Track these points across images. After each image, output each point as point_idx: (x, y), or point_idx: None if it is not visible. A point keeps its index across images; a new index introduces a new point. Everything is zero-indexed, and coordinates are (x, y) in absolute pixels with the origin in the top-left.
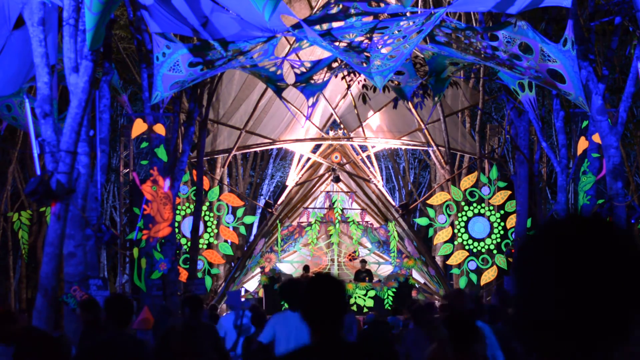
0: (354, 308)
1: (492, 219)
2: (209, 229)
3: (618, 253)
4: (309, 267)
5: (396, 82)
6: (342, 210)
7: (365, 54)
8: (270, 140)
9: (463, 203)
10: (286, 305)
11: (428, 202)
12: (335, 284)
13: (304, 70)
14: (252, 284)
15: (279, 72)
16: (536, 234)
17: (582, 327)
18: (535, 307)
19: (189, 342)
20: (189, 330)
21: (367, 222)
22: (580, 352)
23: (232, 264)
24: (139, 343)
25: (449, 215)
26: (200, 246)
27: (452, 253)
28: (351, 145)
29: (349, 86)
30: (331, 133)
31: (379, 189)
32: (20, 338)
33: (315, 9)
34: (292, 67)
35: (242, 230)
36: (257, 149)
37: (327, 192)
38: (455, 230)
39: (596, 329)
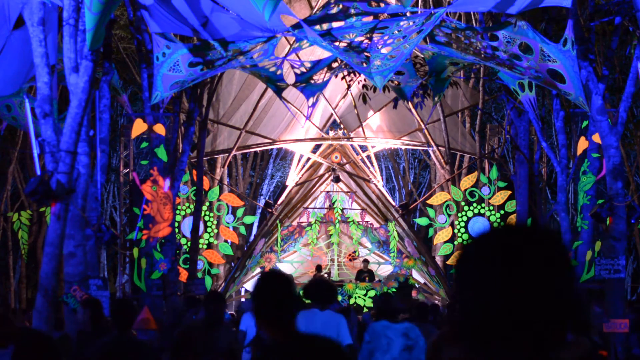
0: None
1: (492, 219)
2: (209, 229)
3: (555, 262)
4: (321, 267)
5: (396, 82)
6: (342, 210)
7: (365, 54)
8: (270, 140)
9: (463, 203)
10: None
11: (428, 202)
12: (286, 280)
13: (304, 70)
14: (252, 284)
15: (279, 72)
16: (477, 242)
17: (519, 333)
18: (475, 314)
19: (211, 337)
20: (212, 326)
21: (367, 222)
22: (518, 357)
23: (232, 264)
24: (141, 345)
25: (449, 215)
26: (200, 246)
27: (452, 253)
28: (351, 145)
29: (349, 86)
30: (331, 133)
31: (379, 189)
32: (18, 339)
33: (315, 9)
34: (292, 67)
35: (242, 230)
36: (257, 149)
37: (327, 192)
38: (455, 230)
39: (533, 334)
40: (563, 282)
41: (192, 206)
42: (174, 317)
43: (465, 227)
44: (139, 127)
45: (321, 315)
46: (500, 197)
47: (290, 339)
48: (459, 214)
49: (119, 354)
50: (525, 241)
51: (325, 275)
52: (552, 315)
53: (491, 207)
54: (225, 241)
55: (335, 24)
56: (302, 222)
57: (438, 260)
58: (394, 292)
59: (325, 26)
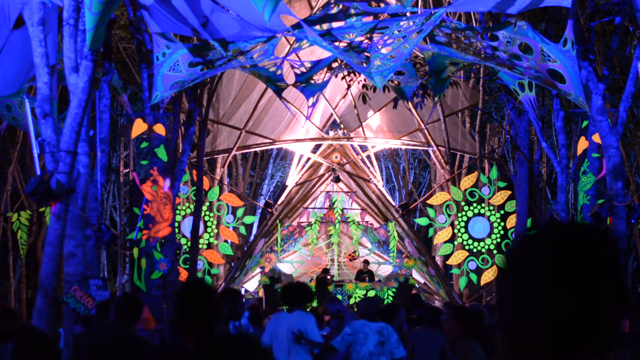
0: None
1: (492, 219)
2: (209, 229)
3: (609, 261)
4: (328, 270)
5: (396, 82)
6: (342, 210)
7: (365, 54)
8: (270, 140)
9: (463, 203)
10: (285, 307)
11: (428, 202)
12: (205, 290)
13: (304, 70)
14: (252, 284)
15: (279, 72)
16: (533, 238)
17: (576, 330)
18: (529, 310)
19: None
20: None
21: (367, 222)
22: (572, 355)
23: (232, 264)
24: (144, 344)
25: (449, 215)
26: (200, 246)
27: (452, 253)
28: (351, 145)
29: (349, 86)
30: (331, 133)
31: (379, 189)
32: (19, 336)
33: (315, 9)
34: (292, 67)
35: (242, 230)
36: (257, 149)
37: (327, 192)
38: (455, 230)
39: (589, 332)
40: (615, 280)
41: (192, 206)
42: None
43: (465, 227)
44: (139, 127)
45: (288, 316)
46: (500, 197)
47: (202, 345)
48: (459, 214)
49: (117, 351)
50: (577, 242)
51: (328, 277)
52: (608, 314)
53: (491, 207)
54: (225, 241)
55: (335, 24)
56: (302, 222)
57: (438, 260)
58: (394, 292)
59: (325, 26)
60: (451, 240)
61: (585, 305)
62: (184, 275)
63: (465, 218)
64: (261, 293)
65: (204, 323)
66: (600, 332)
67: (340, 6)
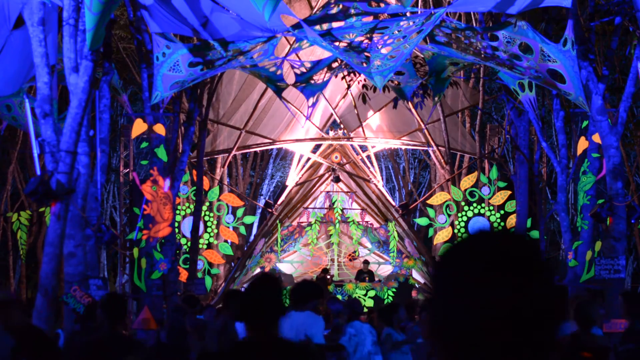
0: None
1: (492, 219)
2: (209, 229)
3: (535, 268)
4: (328, 270)
5: (396, 82)
6: (342, 210)
7: (365, 54)
8: (270, 140)
9: (463, 203)
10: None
11: (428, 202)
12: (274, 284)
13: (304, 70)
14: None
15: (279, 72)
16: (456, 247)
17: (513, 337)
18: (459, 318)
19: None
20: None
21: (367, 222)
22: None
23: (232, 264)
24: (131, 343)
25: (449, 215)
26: (200, 246)
27: None
28: (351, 145)
29: (349, 86)
30: (331, 133)
31: (379, 189)
32: (21, 333)
33: (315, 9)
34: (292, 67)
35: (242, 230)
36: (257, 149)
37: (327, 192)
38: (455, 230)
39: (528, 340)
40: (542, 284)
41: (192, 206)
42: (173, 317)
43: (465, 227)
44: (139, 127)
45: (297, 317)
46: (500, 197)
47: (267, 339)
48: (459, 214)
49: (106, 352)
50: (500, 247)
51: (328, 277)
52: (537, 318)
53: (491, 207)
54: (225, 241)
55: (335, 24)
56: (302, 222)
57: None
58: (394, 292)
59: (325, 26)
60: (451, 240)
61: (510, 309)
62: (184, 275)
63: (465, 218)
64: None
65: (269, 318)
66: (533, 336)
67: (340, 6)
